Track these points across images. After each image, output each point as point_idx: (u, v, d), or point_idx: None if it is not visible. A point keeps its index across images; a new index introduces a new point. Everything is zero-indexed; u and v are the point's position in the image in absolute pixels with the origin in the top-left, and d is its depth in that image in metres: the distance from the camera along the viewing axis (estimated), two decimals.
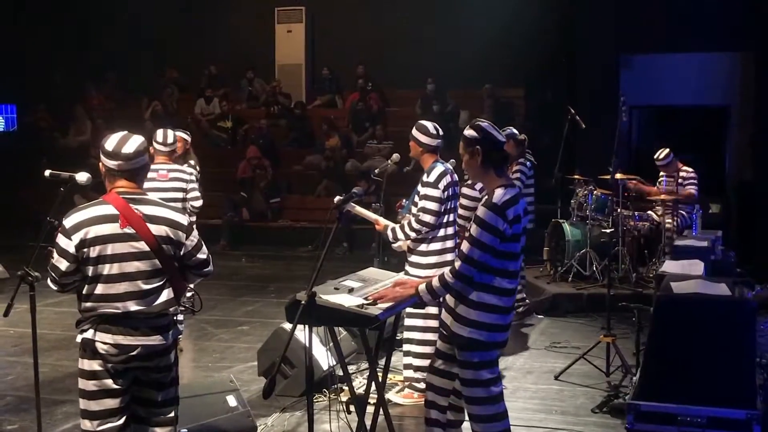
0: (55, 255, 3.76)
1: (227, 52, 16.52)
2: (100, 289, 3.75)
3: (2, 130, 16.07)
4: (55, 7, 16.38)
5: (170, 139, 7.20)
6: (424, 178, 5.90)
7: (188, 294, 6.83)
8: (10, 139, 15.97)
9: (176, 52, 16.79)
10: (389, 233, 6.02)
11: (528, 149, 8.88)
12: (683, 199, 9.29)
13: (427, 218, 5.81)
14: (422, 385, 5.66)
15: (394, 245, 6.16)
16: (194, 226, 4.04)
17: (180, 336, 7.00)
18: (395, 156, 6.95)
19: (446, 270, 4.15)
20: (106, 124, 15.85)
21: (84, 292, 3.78)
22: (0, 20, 15.74)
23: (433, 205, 5.81)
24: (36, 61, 16.17)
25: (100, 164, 3.89)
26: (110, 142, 3.84)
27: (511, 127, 8.56)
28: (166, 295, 3.85)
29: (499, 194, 4.08)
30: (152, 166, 6.87)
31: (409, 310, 5.93)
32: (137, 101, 16.75)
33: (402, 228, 5.93)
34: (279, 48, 16.78)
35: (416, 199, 5.96)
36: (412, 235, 5.87)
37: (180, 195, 7.09)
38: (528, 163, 8.65)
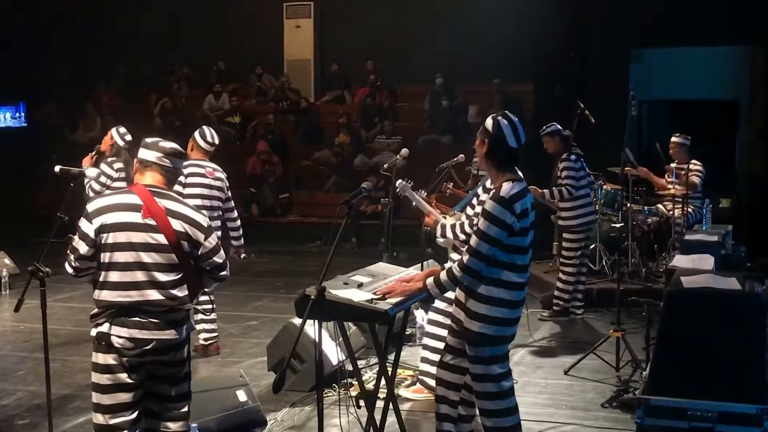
0: (77, 237, 3.82)
1: (236, 48, 16.50)
2: (115, 276, 3.78)
3: (12, 127, 16.12)
4: (64, 3, 16.40)
5: (216, 139, 7.26)
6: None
7: (202, 298, 6.89)
8: (20, 136, 16.00)
9: (185, 48, 16.80)
10: (438, 228, 5.77)
11: (573, 143, 8.63)
12: (686, 188, 9.21)
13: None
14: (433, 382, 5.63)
15: (440, 241, 5.92)
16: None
17: (212, 333, 7.09)
18: (404, 151, 6.91)
19: (454, 264, 4.14)
20: (115, 120, 15.89)
21: (100, 279, 3.80)
22: (9, 17, 15.76)
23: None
24: (45, 57, 16.20)
25: (135, 160, 3.98)
26: (151, 137, 4.00)
27: (555, 123, 8.38)
28: (181, 290, 3.86)
29: (506, 188, 4.08)
30: (199, 162, 6.99)
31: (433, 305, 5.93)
32: (146, 97, 16.78)
33: (453, 228, 5.66)
34: (287, 43, 16.78)
35: (474, 201, 5.71)
36: (462, 237, 5.65)
37: (222, 196, 7.11)
38: (573, 156, 8.23)
